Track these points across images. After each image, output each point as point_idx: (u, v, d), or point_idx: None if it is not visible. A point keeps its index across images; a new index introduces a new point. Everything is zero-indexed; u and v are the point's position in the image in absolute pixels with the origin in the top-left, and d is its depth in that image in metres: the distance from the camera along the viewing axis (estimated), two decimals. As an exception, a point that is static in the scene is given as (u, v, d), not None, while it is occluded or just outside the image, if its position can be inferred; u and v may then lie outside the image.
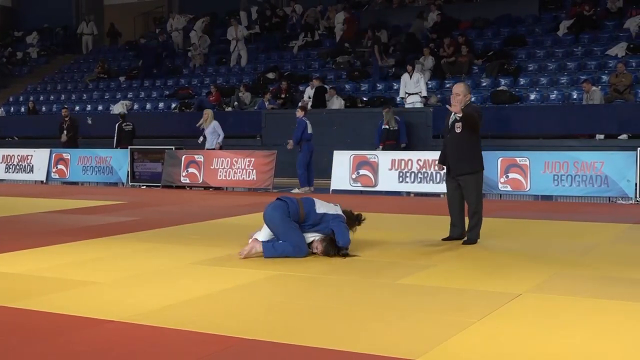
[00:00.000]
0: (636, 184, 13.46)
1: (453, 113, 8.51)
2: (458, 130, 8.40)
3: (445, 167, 8.84)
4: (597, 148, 15.42)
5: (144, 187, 18.00)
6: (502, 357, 4.35)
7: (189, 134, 19.79)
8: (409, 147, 16.97)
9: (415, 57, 20.64)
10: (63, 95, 26.28)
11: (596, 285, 6.32)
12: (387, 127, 17.12)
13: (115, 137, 20.13)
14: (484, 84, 19.37)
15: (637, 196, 13.43)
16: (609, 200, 13.78)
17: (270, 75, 22.70)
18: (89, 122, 22.67)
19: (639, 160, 13.44)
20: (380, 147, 16.94)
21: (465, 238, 8.48)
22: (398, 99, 19.44)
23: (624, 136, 16.33)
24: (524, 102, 18.06)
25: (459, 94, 8.45)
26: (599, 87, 17.39)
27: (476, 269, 7.05)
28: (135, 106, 23.98)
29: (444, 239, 8.65)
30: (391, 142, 17.00)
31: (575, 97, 17.79)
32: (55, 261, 7.63)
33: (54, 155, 19.63)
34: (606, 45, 19.47)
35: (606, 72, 18.37)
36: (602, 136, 16.66)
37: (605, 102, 16.98)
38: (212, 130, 17.45)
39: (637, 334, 4.76)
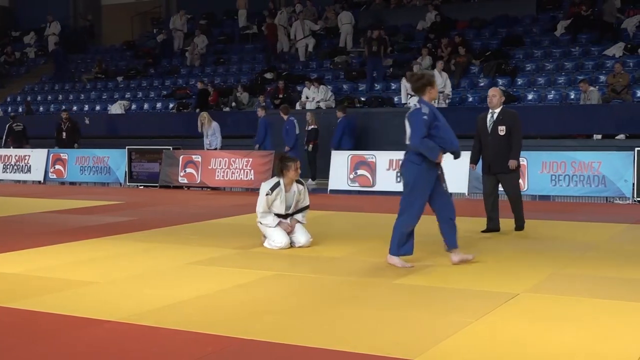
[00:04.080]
0: (634, 184, 13.47)
1: (490, 115, 9.42)
2: (502, 133, 9.30)
3: (475, 166, 9.80)
4: (595, 148, 15.43)
5: (142, 187, 17.99)
6: (500, 357, 4.36)
7: (187, 134, 19.78)
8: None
9: (412, 58, 20.66)
10: (61, 96, 26.25)
11: (594, 285, 6.34)
12: (315, 127, 17.55)
13: (4, 137, 21.01)
14: (482, 84, 19.37)
15: (635, 196, 13.45)
16: (607, 200, 13.79)
17: (268, 76, 22.71)
18: (86, 122, 22.65)
19: (636, 160, 13.46)
20: (306, 147, 17.35)
21: (515, 226, 9.48)
22: (396, 99, 19.44)
23: (621, 136, 16.34)
24: (521, 102, 18.06)
25: (496, 95, 9.40)
26: (597, 87, 17.40)
27: (474, 268, 7.06)
28: (133, 106, 23.97)
29: (482, 232, 9.44)
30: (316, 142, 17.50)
31: (572, 97, 17.80)
32: (53, 261, 7.64)
33: (51, 156, 19.62)
34: (604, 46, 19.49)
35: (604, 72, 18.38)
36: (599, 136, 16.67)
37: (602, 102, 16.99)
38: (213, 132, 17.48)
39: (635, 333, 4.77)
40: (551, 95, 18.22)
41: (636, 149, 13.54)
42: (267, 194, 8.31)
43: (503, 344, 4.60)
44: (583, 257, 7.67)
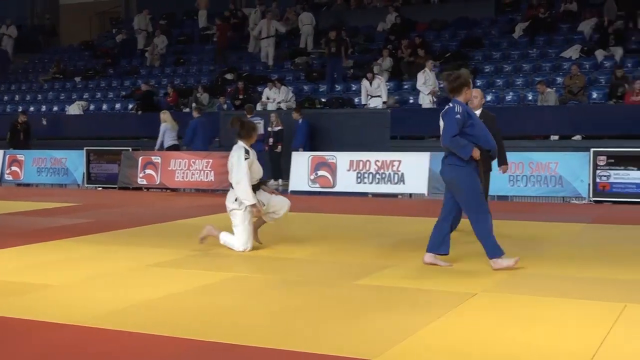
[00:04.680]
0: (589, 184, 13.70)
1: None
2: None
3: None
4: (552, 149, 15.65)
5: (100, 188, 17.80)
6: (459, 356, 4.40)
7: (146, 135, 19.60)
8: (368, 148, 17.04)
9: (373, 59, 20.76)
10: (17, 96, 25.85)
11: (552, 284, 6.42)
12: (280, 127, 17.65)
13: None
14: (441, 85, 19.49)
15: (591, 196, 13.67)
16: (563, 200, 14.00)
17: (229, 76, 22.62)
18: (44, 122, 22.33)
19: (592, 160, 13.68)
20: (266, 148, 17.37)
21: None
22: (356, 100, 19.50)
23: (577, 137, 16.59)
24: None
25: (477, 97, 9.36)
26: (554, 88, 17.65)
27: (434, 269, 7.10)
28: (92, 107, 23.71)
29: None
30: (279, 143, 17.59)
31: (530, 98, 18.03)
32: (9, 264, 7.51)
33: (7, 157, 19.31)
34: (561, 48, 19.77)
35: (561, 74, 18.65)
36: (556, 137, 16.91)
37: (559, 103, 17.24)
38: (162, 131, 17.39)
39: (592, 331, 4.84)
40: (509, 97, 18.44)
41: (592, 149, 13.78)
42: (246, 158, 7.96)
43: (461, 343, 4.64)
44: (541, 256, 7.77)
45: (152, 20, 27.00)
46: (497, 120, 9.51)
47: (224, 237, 8.19)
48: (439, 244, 7.15)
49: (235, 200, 8.02)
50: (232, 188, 8.10)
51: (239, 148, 8.10)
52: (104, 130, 21.30)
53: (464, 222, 9.78)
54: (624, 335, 4.76)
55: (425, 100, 18.28)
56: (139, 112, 21.63)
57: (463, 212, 7.20)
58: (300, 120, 17.67)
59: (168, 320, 5.23)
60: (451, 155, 7.00)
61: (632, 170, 13.55)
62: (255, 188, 8.08)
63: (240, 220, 8.05)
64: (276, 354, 4.46)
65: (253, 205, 7.97)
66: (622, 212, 12.38)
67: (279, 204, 8.27)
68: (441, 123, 7.07)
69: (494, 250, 6.90)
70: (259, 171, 8.15)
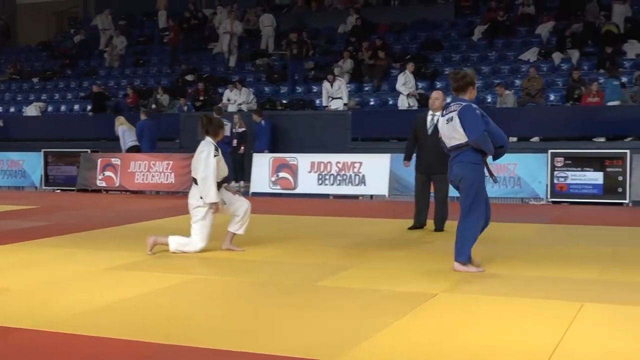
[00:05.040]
0: (547, 185, 13.90)
1: (431, 115, 9.68)
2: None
3: (409, 163, 10.08)
4: (510, 150, 15.65)
5: (59, 191, 17.58)
6: (418, 357, 4.42)
7: (106, 137, 19.39)
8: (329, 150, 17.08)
9: (334, 61, 20.80)
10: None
11: (510, 284, 6.49)
12: (244, 129, 17.62)
13: None
14: (419, 89, 19.67)
15: (548, 197, 13.86)
16: (522, 201, 14.18)
17: (189, 77, 22.48)
18: (0, 124, 21.97)
19: (549, 162, 13.88)
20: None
21: (435, 227, 9.77)
22: (317, 102, 19.52)
23: (535, 139, 16.79)
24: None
25: (438, 98, 9.69)
26: (512, 90, 17.85)
27: (394, 270, 7.14)
28: (50, 108, 23.37)
29: (410, 228, 9.84)
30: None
31: (489, 100, 18.21)
32: (-36, 268, 7.38)
33: (-38, 159, 18.97)
34: (519, 50, 20.02)
35: (519, 76, 18.87)
36: (515, 139, 17.08)
37: (518, 105, 17.45)
38: (121, 134, 17.29)
39: (549, 330, 4.90)
40: (469, 99, 18.56)
41: (550, 151, 13.98)
42: (215, 155, 7.90)
43: (421, 344, 4.67)
44: (500, 256, 7.85)
45: (112, 20, 26.73)
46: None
47: (174, 243, 8.03)
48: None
49: (201, 197, 7.97)
50: (196, 184, 8.04)
51: (209, 144, 8.02)
52: (62, 132, 21.00)
53: (430, 223, 9.88)
54: (582, 334, 4.84)
55: (404, 102, 18.32)
56: (91, 114, 21.48)
57: (461, 207, 7.01)
58: (263, 122, 17.62)
59: (128, 324, 5.17)
60: (464, 154, 6.88)
61: (589, 171, 13.78)
62: (219, 186, 8.05)
63: (201, 217, 7.99)
64: (235, 356, 4.44)
65: (214, 204, 7.94)
66: (579, 212, 12.59)
67: (239, 204, 8.25)
68: (456, 121, 6.83)
69: (464, 255, 6.89)
70: (224, 169, 8.14)
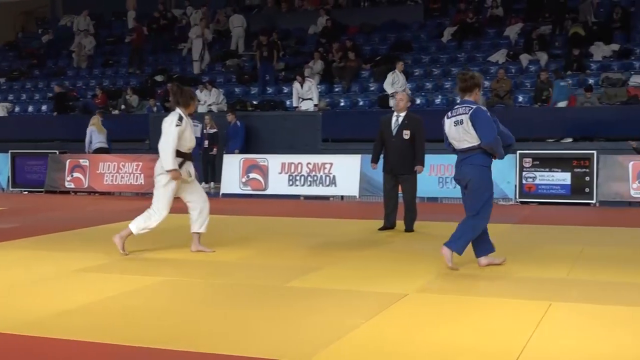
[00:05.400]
0: (516, 186, 14.02)
1: (395, 118, 9.77)
2: (406, 137, 9.68)
3: (376, 165, 10.07)
4: (479, 151, 15.91)
5: (26, 192, 17.38)
6: (389, 357, 4.44)
7: (74, 138, 19.21)
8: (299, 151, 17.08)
9: (304, 62, 20.80)
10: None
11: (480, 284, 6.55)
12: (215, 130, 17.51)
13: None
14: (372, 89, 19.72)
15: (517, 197, 13.98)
16: (491, 201, 14.25)
17: (159, 78, 22.35)
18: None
19: (518, 162, 14.00)
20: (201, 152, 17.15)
21: (405, 228, 9.75)
22: (288, 103, 19.52)
23: (504, 139, 16.92)
24: (410, 106, 18.45)
25: (403, 100, 9.91)
26: (481, 92, 17.96)
27: (365, 270, 7.16)
28: (17, 109, 23.10)
29: (380, 229, 9.82)
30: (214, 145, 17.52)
31: (458, 101, 18.29)
32: None
33: None
34: (488, 52, 20.18)
35: (488, 77, 18.99)
36: (483, 140, 17.22)
37: (486, 106, 17.54)
38: (89, 134, 17.19)
39: (519, 329, 4.94)
40: (438, 100, 18.71)
41: (518, 151, 14.09)
42: (177, 125, 7.70)
43: (391, 344, 4.68)
44: (470, 256, 7.89)
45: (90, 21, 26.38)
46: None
47: (135, 227, 7.90)
48: (485, 245, 7.12)
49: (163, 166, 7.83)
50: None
51: (174, 114, 7.84)
52: (30, 133, 20.77)
53: (400, 224, 9.91)
54: (550, 333, 4.88)
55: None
56: (55, 114, 21.30)
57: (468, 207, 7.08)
58: (238, 123, 17.52)
59: (97, 326, 5.13)
60: (475, 156, 6.94)
61: (557, 171, 13.93)
62: (187, 158, 7.91)
63: (163, 184, 7.81)
64: (205, 357, 4.42)
65: (173, 171, 7.72)
66: (547, 212, 12.71)
67: (196, 199, 8.04)
68: (467, 124, 6.90)
69: (459, 246, 6.92)
70: (191, 140, 7.94)
